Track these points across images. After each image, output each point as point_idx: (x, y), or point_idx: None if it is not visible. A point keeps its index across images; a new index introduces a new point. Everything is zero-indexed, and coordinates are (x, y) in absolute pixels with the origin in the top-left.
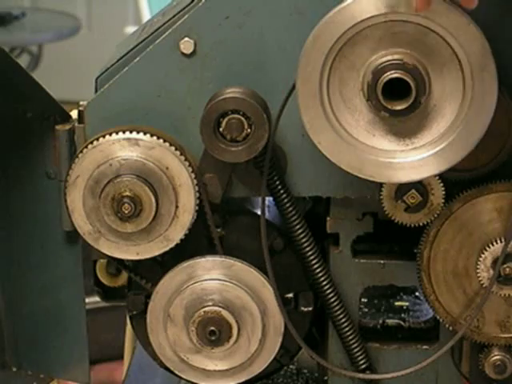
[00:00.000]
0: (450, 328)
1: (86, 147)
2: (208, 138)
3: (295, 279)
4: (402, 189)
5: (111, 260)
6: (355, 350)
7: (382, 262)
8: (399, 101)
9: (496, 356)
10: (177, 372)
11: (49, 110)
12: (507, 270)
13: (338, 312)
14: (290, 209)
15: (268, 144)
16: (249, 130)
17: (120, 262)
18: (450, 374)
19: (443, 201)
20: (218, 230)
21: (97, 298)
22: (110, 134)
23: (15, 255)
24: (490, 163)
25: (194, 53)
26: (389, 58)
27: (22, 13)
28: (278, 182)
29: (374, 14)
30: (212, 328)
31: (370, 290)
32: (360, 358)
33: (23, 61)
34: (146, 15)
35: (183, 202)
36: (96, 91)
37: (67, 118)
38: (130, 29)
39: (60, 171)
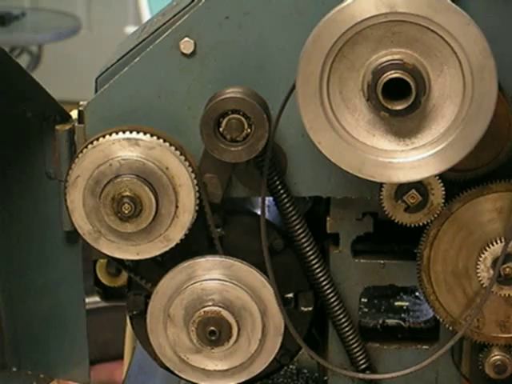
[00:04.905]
0: (450, 328)
1: (86, 147)
2: (208, 138)
3: (295, 279)
4: (402, 189)
5: (111, 260)
6: (355, 350)
7: (381, 262)
8: (399, 101)
9: (496, 356)
10: (177, 372)
11: (49, 110)
12: (507, 269)
13: (338, 312)
14: (290, 209)
15: (268, 144)
16: (249, 130)
17: (120, 262)
18: (449, 374)
19: (443, 201)
20: (218, 230)
21: (97, 298)
22: (110, 134)
23: (15, 255)
24: (489, 163)
25: (193, 53)
26: (389, 57)
27: (22, 13)
28: (278, 182)
29: (374, 14)
30: (212, 328)
31: (370, 289)
32: (360, 358)
33: (23, 61)
34: (146, 15)
35: (183, 201)
36: (96, 91)
37: (67, 117)
38: (130, 29)
39: (60, 171)
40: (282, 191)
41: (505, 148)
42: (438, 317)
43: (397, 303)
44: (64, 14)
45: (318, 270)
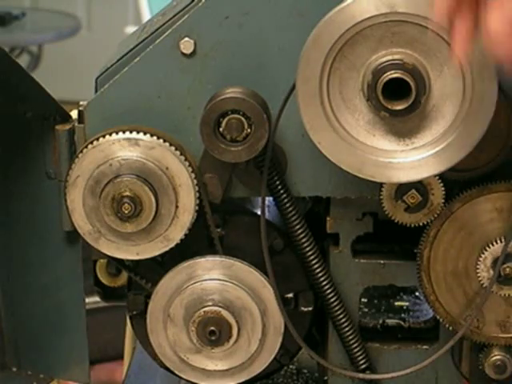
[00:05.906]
0: (450, 328)
1: (86, 147)
2: (208, 138)
3: (295, 279)
4: (402, 189)
5: (111, 260)
6: (355, 350)
7: (381, 262)
8: (399, 101)
9: (496, 356)
10: (177, 372)
11: (49, 110)
12: (507, 269)
13: (338, 312)
14: (290, 209)
15: (268, 144)
16: (249, 130)
17: (120, 262)
18: (449, 374)
19: (443, 201)
20: (218, 230)
21: (97, 298)
22: (110, 134)
23: (15, 255)
24: (490, 163)
25: (193, 53)
26: (389, 58)
27: (22, 13)
28: (278, 182)
29: (374, 13)
30: (212, 328)
31: (370, 290)
32: (360, 358)
33: (23, 61)
34: (146, 15)
35: (183, 202)
36: (96, 91)
37: (67, 118)
38: (130, 29)
39: (60, 171)
40: (281, 191)
41: (505, 148)
42: (438, 317)
43: (397, 303)
44: (64, 14)
45: (317, 270)
